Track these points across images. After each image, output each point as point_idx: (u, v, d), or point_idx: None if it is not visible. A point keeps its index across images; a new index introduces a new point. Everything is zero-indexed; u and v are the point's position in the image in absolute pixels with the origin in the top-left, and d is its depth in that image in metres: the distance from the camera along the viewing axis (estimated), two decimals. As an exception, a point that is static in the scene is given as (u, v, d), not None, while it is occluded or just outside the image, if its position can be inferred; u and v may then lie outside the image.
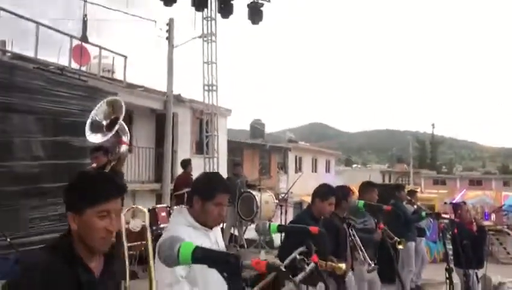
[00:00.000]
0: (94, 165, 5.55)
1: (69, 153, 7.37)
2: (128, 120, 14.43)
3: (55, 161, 7.18)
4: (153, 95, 14.58)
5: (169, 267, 1.15)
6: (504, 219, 23.21)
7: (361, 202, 3.41)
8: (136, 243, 5.28)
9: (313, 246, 2.19)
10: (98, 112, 4.37)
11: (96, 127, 4.38)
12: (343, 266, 3.25)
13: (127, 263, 2.00)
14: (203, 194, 2.70)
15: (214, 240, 2.81)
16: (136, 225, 4.76)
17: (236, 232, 10.35)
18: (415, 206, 8.17)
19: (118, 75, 13.96)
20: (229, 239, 10.03)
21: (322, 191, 4.23)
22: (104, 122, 4.43)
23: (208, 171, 12.62)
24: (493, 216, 22.28)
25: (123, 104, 4.42)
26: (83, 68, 12.53)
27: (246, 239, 10.25)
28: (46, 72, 8.54)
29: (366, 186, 5.56)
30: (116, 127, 4.19)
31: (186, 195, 7.76)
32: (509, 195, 25.71)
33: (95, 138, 4.38)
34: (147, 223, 2.17)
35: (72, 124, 7.36)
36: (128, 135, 4.75)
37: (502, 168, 77.89)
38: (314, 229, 2.35)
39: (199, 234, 2.67)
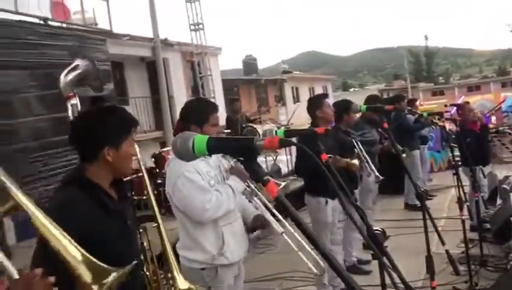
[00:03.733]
0: None
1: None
2: (120, 71, 14.27)
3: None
4: (140, 43, 14.26)
5: (186, 161, 1.21)
6: (504, 119, 23.39)
7: (364, 106, 3.44)
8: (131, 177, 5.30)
9: (321, 146, 2.23)
10: None
11: None
12: (356, 162, 3.32)
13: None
14: (198, 120, 2.75)
15: (215, 164, 2.84)
16: None
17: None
18: (416, 115, 8.20)
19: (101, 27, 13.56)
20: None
21: (315, 101, 4.25)
22: None
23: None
24: (494, 118, 22.38)
25: None
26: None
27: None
28: (31, 24, 8.18)
29: (369, 100, 5.72)
30: None
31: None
32: (508, 96, 25.64)
33: None
34: (138, 155, 2.25)
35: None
36: None
37: (499, 71, 77.01)
38: (320, 129, 2.38)
39: (201, 162, 2.71)
